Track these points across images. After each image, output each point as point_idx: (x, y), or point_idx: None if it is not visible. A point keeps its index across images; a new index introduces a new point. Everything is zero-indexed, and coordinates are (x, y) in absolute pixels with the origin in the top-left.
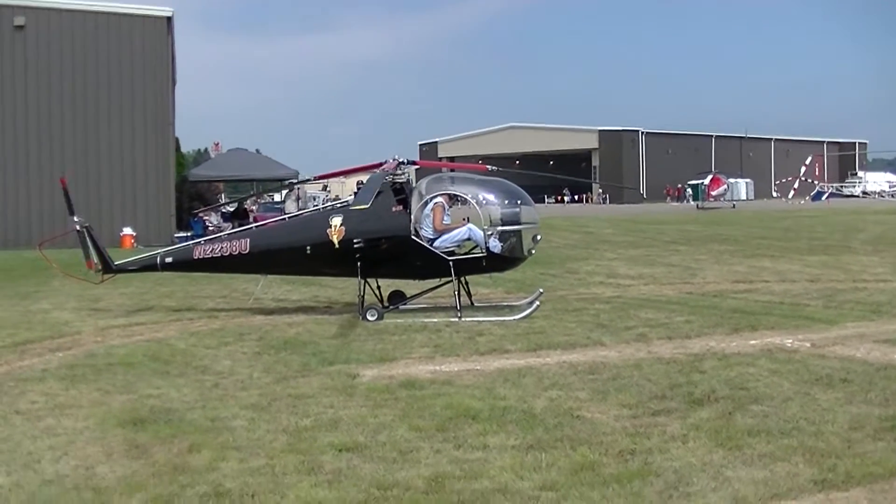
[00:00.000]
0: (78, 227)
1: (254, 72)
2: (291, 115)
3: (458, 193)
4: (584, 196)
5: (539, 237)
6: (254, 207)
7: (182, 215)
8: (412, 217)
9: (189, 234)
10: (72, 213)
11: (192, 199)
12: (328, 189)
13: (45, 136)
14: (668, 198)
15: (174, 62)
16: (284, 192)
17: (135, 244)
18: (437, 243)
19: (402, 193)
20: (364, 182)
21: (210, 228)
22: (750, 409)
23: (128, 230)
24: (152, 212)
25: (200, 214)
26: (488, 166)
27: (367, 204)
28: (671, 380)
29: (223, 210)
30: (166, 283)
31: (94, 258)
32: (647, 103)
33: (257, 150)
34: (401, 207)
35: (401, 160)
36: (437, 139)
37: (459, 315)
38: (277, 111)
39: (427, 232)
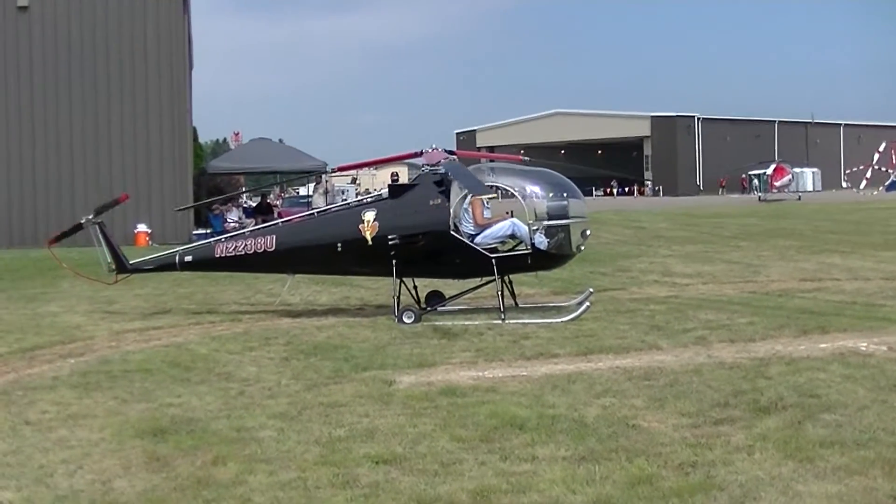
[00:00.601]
0: (83, 220)
1: (277, 55)
2: (318, 102)
3: (500, 185)
4: (635, 188)
5: (588, 232)
6: (277, 202)
7: (200, 210)
8: (451, 211)
9: (208, 230)
10: (81, 228)
11: (210, 193)
12: (358, 182)
13: (52, 127)
14: (721, 189)
15: (190, 44)
16: (311, 185)
17: (150, 242)
18: (478, 239)
19: (441, 185)
20: (398, 174)
21: (231, 225)
22: (821, 418)
23: (142, 227)
24: (169, 207)
25: (217, 209)
26: (523, 156)
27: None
28: (734, 386)
29: (245, 205)
30: (185, 284)
31: (109, 256)
32: (704, 87)
33: (280, 140)
34: (439, 201)
35: (437, 149)
36: (475, 127)
37: (503, 317)
38: (302, 98)
39: (467, 227)
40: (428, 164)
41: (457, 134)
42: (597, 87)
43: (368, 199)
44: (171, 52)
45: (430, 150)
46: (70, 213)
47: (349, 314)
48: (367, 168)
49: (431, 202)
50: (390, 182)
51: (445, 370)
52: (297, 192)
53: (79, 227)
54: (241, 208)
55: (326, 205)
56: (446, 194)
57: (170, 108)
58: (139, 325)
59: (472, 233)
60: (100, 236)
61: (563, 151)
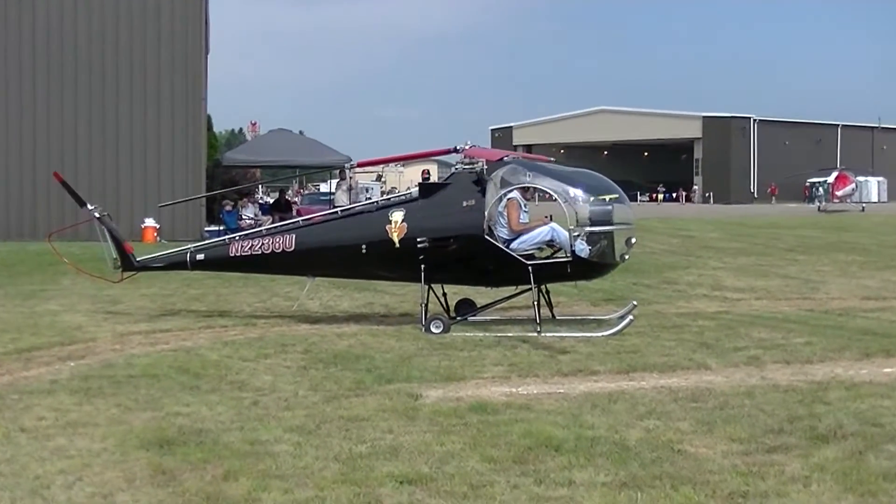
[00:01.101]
0: (98, 214)
1: (298, 41)
2: (342, 92)
3: (538, 187)
4: (683, 193)
5: (634, 240)
6: (296, 199)
7: (213, 206)
8: (485, 213)
9: (221, 227)
10: (83, 205)
11: (224, 187)
12: (384, 179)
13: (56, 113)
14: (773, 198)
15: (207, 27)
16: (334, 181)
17: (158, 238)
18: (514, 245)
19: (476, 185)
20: (429, 172)
21: (247, 222)
22: (885, 448)
23: (150, 222)
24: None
25: (227, 204)
26: (558, 156)
27: None
28: (789, 411)
29: (261, 201)
30: (196, 285)
31: (113, 252)
32: (761, 86)
33: (301, 132)
34: (472, 202)
35: (473, 146)
36: (511, 124)
37: (539, 329)
38: (325, 88)
39: (503, 232)
40: (462, 162)
41: (492, 130)
42: (645, 83)
43: (396, 199)
44: (186, 35)
45: (465, 147)
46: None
47: (372, 322)
48: (393, 165)
49: (465, 203)
50: (421, 180)
51: (476, 385)
52: (318, 189)
53: (81, 202)
54: (256, 204)
55: (350, 203)
56: (481, 195)
57: (183, 96)
58: (145, 327)
59: (508, 237)
60: (104, 231)
61: (605, 152)
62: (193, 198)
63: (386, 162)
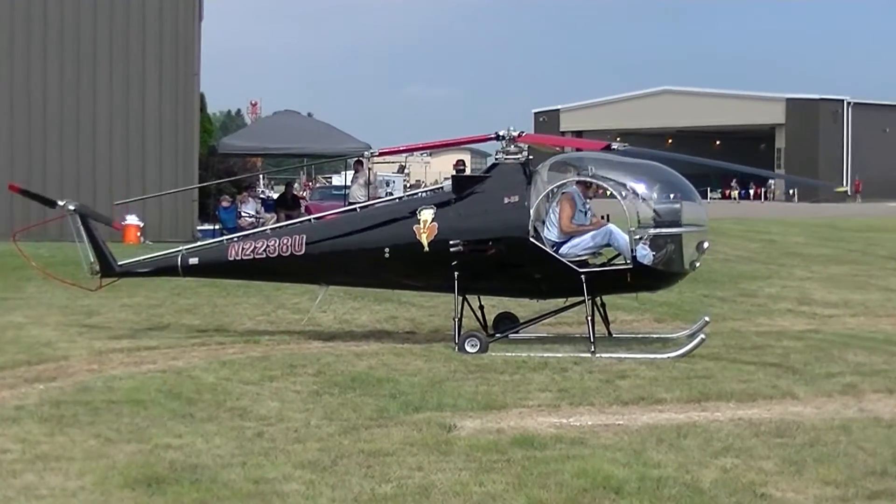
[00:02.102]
0: (72, 207)
1: (307, 5)
2: (358, 67)
3: (594, 181)
4: (762, 190)
5: (707, 245)
6: (305, 193)
7: (207, 201)
8: (531, 212)
9: (216, 227)
10: (53, 205)
11: (220, 178)
12: (407, 171)
13: (21, 90)
14: (858, 196)
15: None
16: (349, 173)
17: (141, 238)
18: (564, 249)
19: (517, 179)
20: (464, 162)
21: (248, 220)
22: None
23: (132, 219)
24: (168, 195)
25: (224, 201)
26: (615, 144)
27: None
28: (894, 450)
29: (263, 196)
30: (187, 294)
31: (90, 255)
32: (855, 63)
33: (309, 114)
34: (516, 198)
35: (514, 133)
36: (558, 106)
37: (593, 349)
38: (339, 61)
39: (551, 234)
40: (504, 151)
41: (535, 114)
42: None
43: (426, 194)
44: None
45: (509, 134)
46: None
47: (396, 339)
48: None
49: (507, 200)
50: (455, 172)
51: (519, 414)
52: (330, 182)
53: (51, 203)
54: (258, 200)
55: (368, 199)
56: (526, 190)
57: (172, 69)
58: (127, 343)
59: (557, 240)
60: (80, 228)
61: (670, 140)
62: (229, 180)
63: (412, 150)
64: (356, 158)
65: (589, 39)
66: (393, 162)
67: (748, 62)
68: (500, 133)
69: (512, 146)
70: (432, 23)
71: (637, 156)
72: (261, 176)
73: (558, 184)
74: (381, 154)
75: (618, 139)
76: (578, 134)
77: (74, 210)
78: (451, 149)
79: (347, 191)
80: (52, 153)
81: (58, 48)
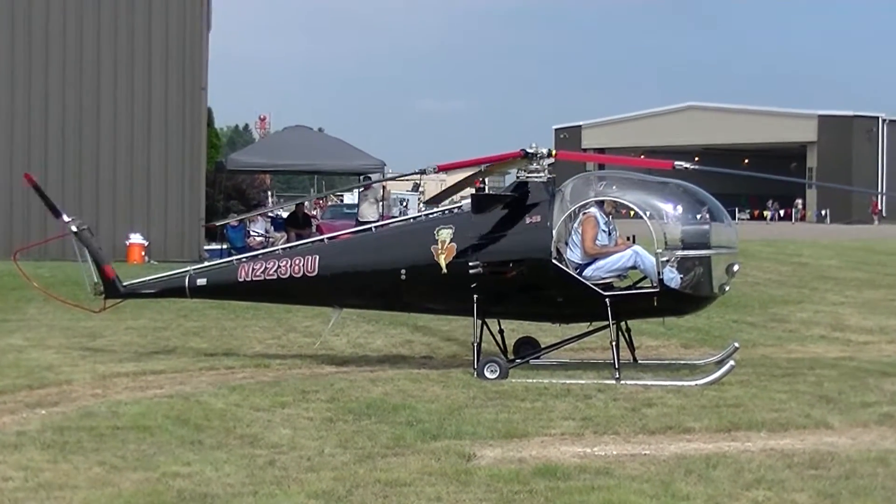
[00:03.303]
0: (75, 228)
1: (319, 19)
2: (370, 81)
3: (619, 200)
4: (793, 211)
5: (737, 267)
6: (315, 212)
7: (214, 219)
8: (553, 233)
9: (224, 246)
10: (58, 215)
11: (228, 195)
12: (422, 189)
13: (21, 104)
14: (875, 218)
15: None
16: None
17: (146, 258)
18: (587, 272)
19: (539, 198)
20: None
21: (257, 240)
22: None
23: (136, 238)
24: (173, 213)
25: (232, 220)
26: (680, 163)
27: None
28: None
29: (273, 214)
30: (194, 316)
31: (95, 274)
32: (890, 79)
33: (320, 130)
34: (538, 218)
35: (533, 150)
36: (580, 122)
37: (618, 376)
38: (349, 75)
39: (574, 255)
40: (526, 169)
41: (556, 130)
42: (744, 73)
43: (444, 213)
44: (183, 7)
45: (534, 151)
46: (40, 213)
47: (412, 364)
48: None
49: (529, 220)
50: (475, 190)
51: (542, 443)
52: (341, 201)
53: (56, 213)
54: (268, 219)
55: (380, 217)
56: (548, 210)
57: (179, 83)
58: (132, 367)
59: (581, 262)
60: (83, 247)
61: (696, 158)
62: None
63: (468, 165)
64: (363, 175)
65: (611, 53)
66: (407, 179)
67: (778, 77)
68: (529, 150)
69: (535, 164)
70: (446, 34)
71: (705, 174)
72: (269, 194)
73: (581, 203)
74: (440, 169)
75: (640, 156)
76: (601, 151)
77: (77, 232)
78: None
79: (358, 208)
80: (53, 169)
81: (59, 58)
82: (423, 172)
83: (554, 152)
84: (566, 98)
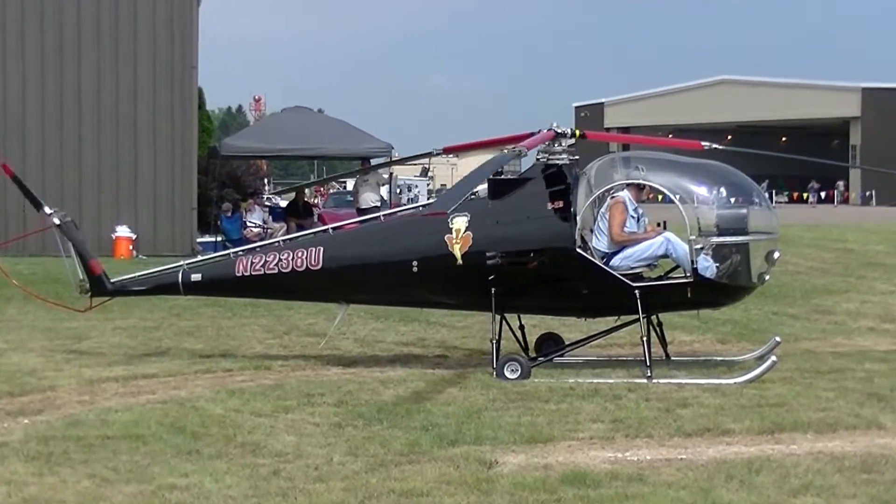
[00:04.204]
0: (57, 221)
1: None
2: (377, 58)
3: (649, 184)
4: (833, 192)
5: (777, 255)
6: (317, 201)
7: (207, 209)
8: (577, 220)
9: (219, 238)
10: (39, 207)
11: (223, 183)
12: (432, 173)
13: None
14: None
15: None
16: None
17: (134, 252)
18: (615, 261)
19: (561, 182)
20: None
21: (254, 231)
22: None
23: (123, 231)
24: (163, 203)
25: (227, 210)
26: (707, 143)
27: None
28: None
29: (271, 204)
30: (187, 314)
31: (80, 271)
32: None
33: (320, 111)
34: (560, 204)
35: (560, 130)
36: (602, 99)
37: (649, 374)
38: (354, 51)
39: (600, 243)
40: (547, 151)
41: (576, 108)
42: (781, 44)
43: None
44: None
45: (551, 131)
46: (18, 204)
47: (426, 363)
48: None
49: (550, 206)
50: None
51: (568, 448)
52: (344, 188)
53: (37, 204)
54: (265, 208)
55: (384, 203)
56: (572, 195)
57: (167, 61)
58: (122, 371)
59: (607, 251)
60: (67, 241)
61: (729, 137)
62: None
63: (478, 147)
64: (362, 159)
65: (636, 23)
66: (415, 164)
67: (818, 47)
68: (558, 130)
69: (556, 145)
70: (457, 5)
71: (739, 154)
72: (266, 181)
73: (607, 187)
74: (446, 151)
75: (670, 136)
76: (625, 130)
77: (60, 225)
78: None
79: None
80: (32, 157)
81: (37, 36)
82: (428, 155)
83: (578, 133)
84: (587, 73)
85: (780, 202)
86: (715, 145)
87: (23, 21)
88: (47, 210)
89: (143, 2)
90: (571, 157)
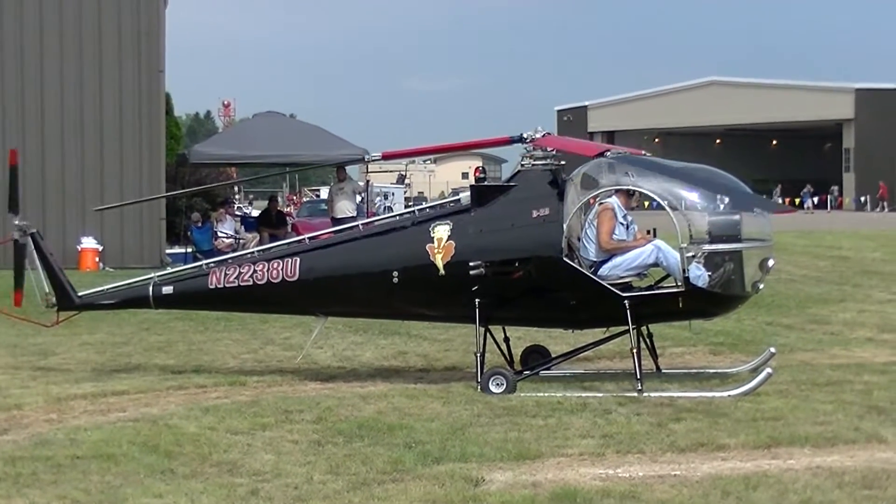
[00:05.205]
0: (17, 236)
1: None
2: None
3: (639, 189)
4: (827, 197)
5: (772, 263)
6: (291, 209)
7: (176, 219)
8: (564, 227)
9: (189, 250)
10: (14, 209)
11: (193, 193)
12: (408, 181)
13: None
14: (883, 203)
15: None
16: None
17: (100, 264)
18: (603, 270)
19: (547, 188)
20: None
21: (226, 241)
22: None
23: (88, 242)
24: (130, 213)
25: (197, 220)
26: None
27: None
28: None
29: (242, 213)
30: (157, 328)
31: (45, 285)
32: None
33: (292, 116)
34: (546, 211)
35: (544, 132)
36: (585, 102)
37: (640, 387)
38: (327, 53)
39: (588, 252)
40: (531, 156)
41: (558, 112)
42: (771, 44)
43: (439, 206)
44: None
45: (535, 135)
46: None
47: (407, 378)
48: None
49: (535, 213)
50: (475, 180)
51: (558, 465)
52: (318, 196)
53: (16, 206)
54: (237, 217)
55: (359, 212)
56: (558, 201)
57: (134, 65)
58: (91, 388)
59: (596, 260)
60: (33, 253)
61: (719, 140)
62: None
63: (421, 154)
64: (338, 165)
65: (621, 23)
66: (391, 171)
67: (810, 47)
68: (525, 134)
69: (539, 150)
70: (434, 5)
71: (732, 156)
72: (237, 189)
73: (595, 193)
74: (385, 157)
75: (656, 140)
76: (610, 135)
77: (17, 240)
78: (458, 155)
79: (328, 204)
80: None
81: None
82: (361, 161)
83: (527, 136)
84: (570, 75)
85: None
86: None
87: None
88: (17, 221)
89: (107, 3)
90: (557, 163)
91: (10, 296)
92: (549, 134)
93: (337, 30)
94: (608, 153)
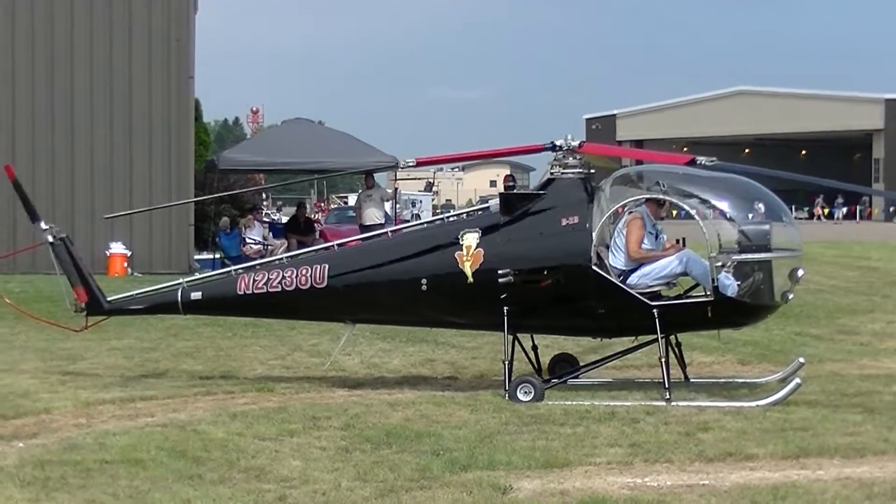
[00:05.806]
0: (51, 239)
1: None
2: (378, 68)
3: (667, 199)
4: (857, 208)
5: (801, 273)
6: (319, 216)
7: (204, 225)
8: (593, 236)
9: (217, 256)
10: (35, 219)
11: (222, 200)
12: (436, 188)
13: None
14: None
15: None
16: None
17: (129, 270)
18: (632, 279)
19: (576, 197)
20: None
21: (254, 248)
22: None
23: (117, 247)
24: (159, 219)
25: (225, 226)
26: (702, 158)
27: None
28: None
29: (271, 220)
30: (185, 334)
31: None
32: None
33: (321, 122)
34: (575, 219)
35: (574, 142)
36: (614, 111)
37: (668, 396)
38: (355, 61)
39: (617, 261)
40: (561, 164)
41: (587, 120)
42: (800, 54)
43: (469, 214)
44: None
45: (566, 144)
46: (7, 218)
47: (435, 385)
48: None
49: (565, 221)
50: (504, 188)
51: (585, 473)
52: (346, 203)
53: (34, 216)
54: (265, 224)
55: (388, 220)
56: (587, 210)
57: (164, 72)
58: (119, 393)
59: (625, 269)
60: (63, 257)
61: (747, 150)
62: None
63: (453, 161)
64: (366, 173)
65: (650, 32)
66: (419, 178)
67: (839, 57)
68: (557, 142)
69: (570, 158)
70: (462, 14)
71: (730, 172)
72: (265, 196)
73: (625, 202)
74: (419, 164)
75: (685, 149)
76: (638, 143)
77: (54, 242)
78: (486, 163)
79: (357, 211)
80: (22, 169)
81: (27, 43)
82: (395, 168)
83: (575, 144)
84: (599, 85)
85: (800, 218)
86: (703, 160)
87: (13, 28)
88: (43, 225)
89: (138, 9)
90: (587, 171)
91: (39, 301)
92: (584, 142)
93: (366, 38)
94: (698, 161)
